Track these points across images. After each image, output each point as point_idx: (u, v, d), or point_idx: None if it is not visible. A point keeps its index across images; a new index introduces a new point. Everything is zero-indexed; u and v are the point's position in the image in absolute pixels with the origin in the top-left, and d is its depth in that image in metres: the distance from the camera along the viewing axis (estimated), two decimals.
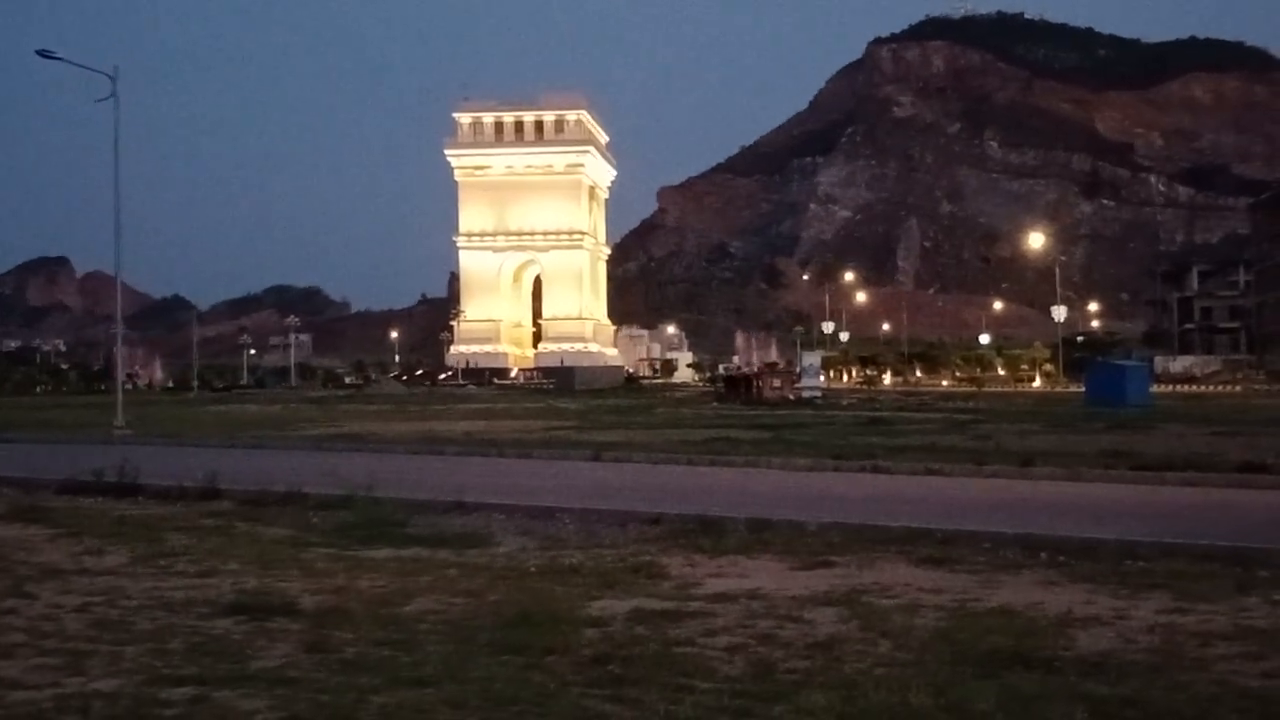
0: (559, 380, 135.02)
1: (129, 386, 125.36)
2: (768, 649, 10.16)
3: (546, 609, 11.48)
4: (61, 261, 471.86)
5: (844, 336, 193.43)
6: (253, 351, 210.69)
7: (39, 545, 16.52)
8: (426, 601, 12.32)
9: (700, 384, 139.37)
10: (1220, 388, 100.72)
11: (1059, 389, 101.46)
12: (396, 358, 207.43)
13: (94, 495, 22.28)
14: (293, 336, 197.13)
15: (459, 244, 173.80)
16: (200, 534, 17.57)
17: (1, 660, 10.00)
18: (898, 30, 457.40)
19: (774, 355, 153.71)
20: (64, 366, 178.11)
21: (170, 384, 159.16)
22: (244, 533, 17.77)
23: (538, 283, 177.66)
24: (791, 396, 79.08)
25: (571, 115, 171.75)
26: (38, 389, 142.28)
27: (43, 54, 50.29)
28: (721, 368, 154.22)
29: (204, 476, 22.20)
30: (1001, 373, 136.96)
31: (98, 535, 17.26)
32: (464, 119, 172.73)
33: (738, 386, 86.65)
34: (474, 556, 15.38)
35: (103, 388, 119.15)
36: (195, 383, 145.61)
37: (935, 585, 13.04)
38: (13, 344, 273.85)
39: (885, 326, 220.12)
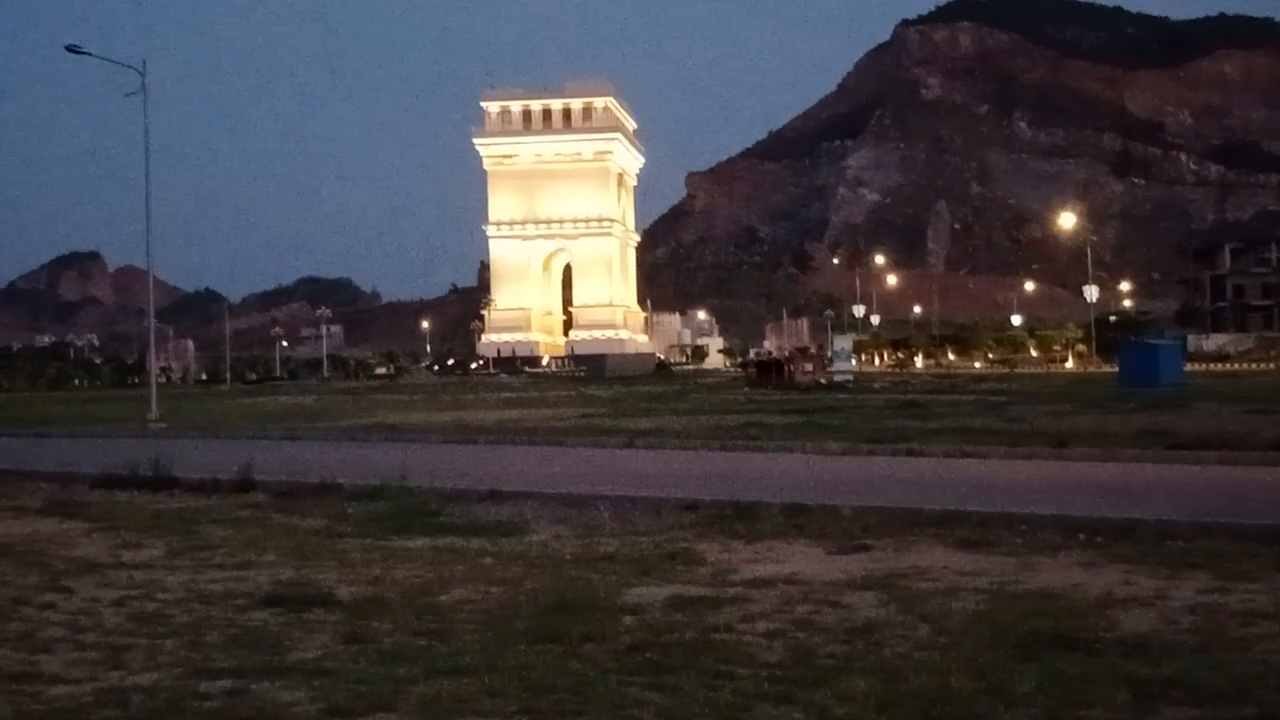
0: (590, 368, 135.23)
1: (162, 380, 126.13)
2: (806, 634, 10.11)
3: (583, 597, 11.46)
4: (93, 256, 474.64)
5: (875, 320, 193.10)
6: (285, 343, 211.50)
7: (76, 540, 16.57)
8: (463, 591, 12.30)
9: (731, 369, 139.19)
10: (1254, 365, 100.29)
11: (1092, 369, 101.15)
12: (428, 348, 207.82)
13: (130, 489, 22.31)
14: (324, 328, 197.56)
15: (488, 233, 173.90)
16: (236, 526, 17.61)
17: (41, 655, 10.01)
18: (925, 12, 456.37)
19: (805, 339, 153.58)
20: (97, 361, 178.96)
21: (203, 377, 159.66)
22: (279, 524, 17.79)
23: (568, 270, 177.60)
24: (823, 380, 78.99)
25: (599, 102, 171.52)
26: (72, 384, 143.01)
27: (71, 49, 50.55)
28: (752, 353, 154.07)
29: (238, 469, 22.26)
30: (1034, 354, 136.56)
31: (134, 529, 17.30)
32: (492, 108, 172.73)
33: (769, 371, 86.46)
34: (509, 545, 15.36)
35: (136, 381, 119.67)
36: (228, 375, 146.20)
37: (973, 568, 12.97)
38: (46, 339, 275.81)
39: (916, 309, 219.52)
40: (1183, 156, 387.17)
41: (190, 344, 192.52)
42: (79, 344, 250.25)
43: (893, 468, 24.42)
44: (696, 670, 9.00)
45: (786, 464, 25.97)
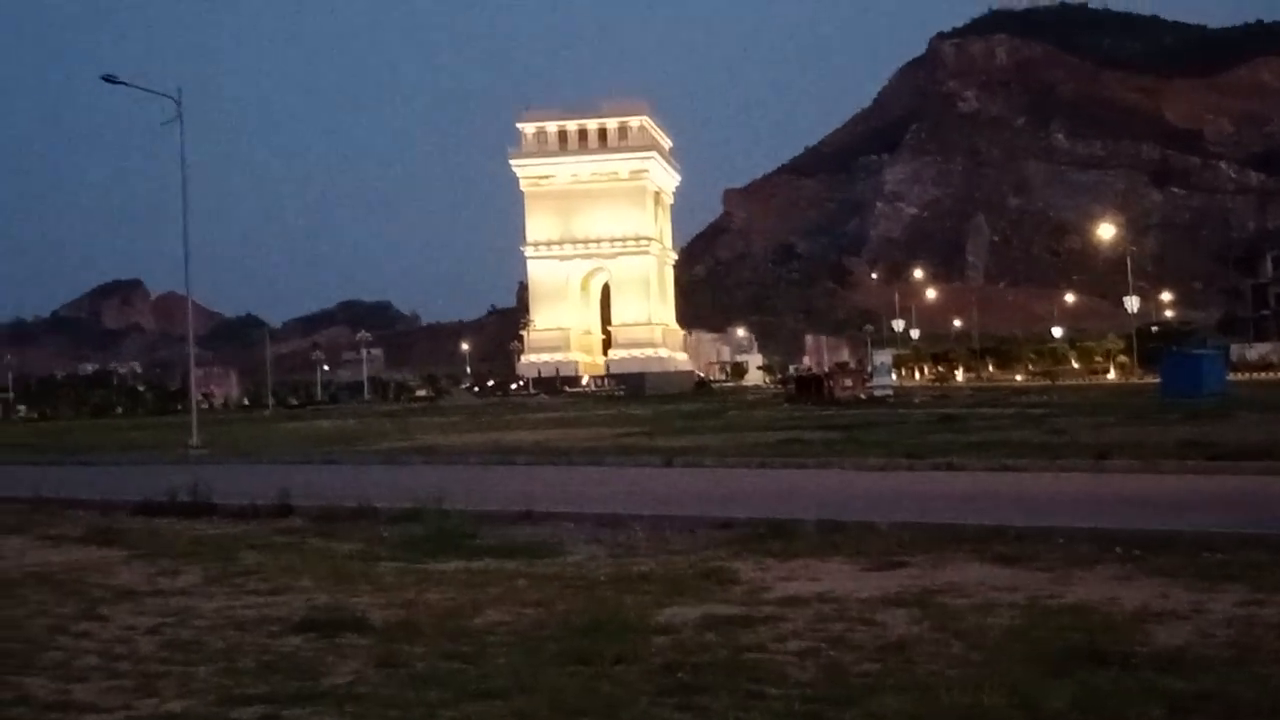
0: (630, 386, 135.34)
1: (204, 406, 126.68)
2: (839, 652, 10.07)
3: (616, 618, 11.43)
4: (135, 284, 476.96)
5: (914, 334, 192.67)
6: (326, 367, 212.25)
7: (114, 567, 16.63)
8: (496, 613, 12.29)
9: (771, 386, 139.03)
10: None
11: (1134, 380, 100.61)
12: (468, 369, 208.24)
13: (169, 516, 22.40)
14: (364, 351, 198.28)
15: (526, 253, 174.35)
16: (273, 551, 17.63)
17: (75, 683, 10.05)
18: (960, 24, 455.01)
19: (844, 355, 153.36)
20: (140, 388, 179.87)
21: (245, 402, 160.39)
22: (316, 549, 17.82)
23: (606, 290, 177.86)
24: (863, 396, 78.93)
25: (634, 121, 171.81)
26: (115, 411, 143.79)
27: (108, 79, 50.87)
28: (792, 369, 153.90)
29: (276, 494, 22.31)
30: (1075, 365, 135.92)
31: (172, 556, 17.36)
32: (528, 129, 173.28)
33: (809, 387, 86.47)
34: (544, 566, 15.36)
35: (179, 408, 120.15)
36: (270, 400, 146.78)
37: (1009, 583, 12.89)
38: (90, 367, 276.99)
39: (956, 323, 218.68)
40: (1222, 164, 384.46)
41: (233, 370, 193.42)
42: (122, 371, 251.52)
43: (931, 483, 24.31)
44: (728, 691, 8.96)
45: (824, 480, 25.87)
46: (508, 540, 17.66)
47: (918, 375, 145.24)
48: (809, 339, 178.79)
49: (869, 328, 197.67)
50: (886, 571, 14.00)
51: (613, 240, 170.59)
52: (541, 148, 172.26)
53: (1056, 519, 17.08)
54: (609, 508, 20.80)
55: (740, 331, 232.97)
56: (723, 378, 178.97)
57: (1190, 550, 14.22)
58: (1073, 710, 8.09)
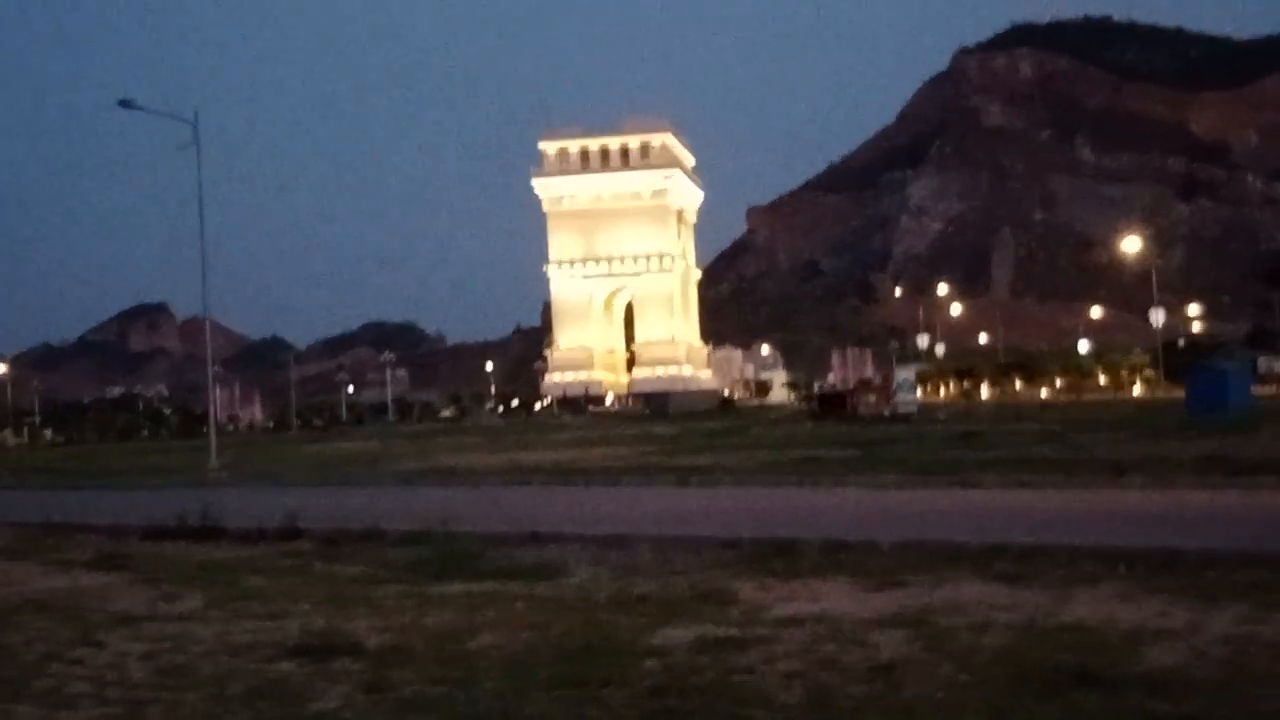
0: (654, 405, 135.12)
1: (229, 429, 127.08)
2: (829, 674, 10.00)
3: (609, 640, 11.39)
4: (161, 308, 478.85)
5: (940, 350, 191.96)
6: (351, 389, 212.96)
7: (117, 593, 16.63)
8: (491, 636, 12.26)
9: (796, 403, 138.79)
10: None
11: (1161, 395, 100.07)
12: (492, 389, 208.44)
13: (178, 540, 22.44)
14: (389, 372, 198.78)
15: (549, 273, 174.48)
16: (276, 575, 17.64)
17: (64, 711, 10.04)
18: (984, 39, 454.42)
19: (869, 371, 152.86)
20: (166, 411, 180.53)
21: (270, 424, 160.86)
22: (320, 572, 17.83)
23: (629, 308, 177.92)
24: (887, 413, 78.72)
25: (656, 140, 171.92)
26: (140, 434, 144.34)
27: (124, 104, 51.05)
28: (816, 386, 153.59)
29: (284, 517, 22.31)
30: (1102, 381, 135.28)
31: (175, 581, 17.36)
32: (550, 148, 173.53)
33: (833, 404, 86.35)
34: (545, 588, 15.33)
35: (204, 431, 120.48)
36: (295, 422, 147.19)
37: (1008, 602, 12.81)
38: (116, 391, 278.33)
39: (982, 338, 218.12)
40: (1249, 177, 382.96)
41: (258, 393, 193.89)
42: (148, 395, 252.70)
43: (943, 500, 24.17)
44: (712, 714, 8.92)
45: (837, 499, 25.78)
46: (512, 562, 17.62)
47: (942, 391, 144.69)
48: (835, 355, 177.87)
49: (894, 344, 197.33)
50: (886, 591, 13.93)
51: (635, 258, 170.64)
52: (563, 167, 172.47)
53: (1063, 536, 16.96)
54: (617, 528, 20.73)
55: (765, 349, 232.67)
56: (748, 395, 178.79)
57: (1195, 568, 14.11)
58: None
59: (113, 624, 14.02)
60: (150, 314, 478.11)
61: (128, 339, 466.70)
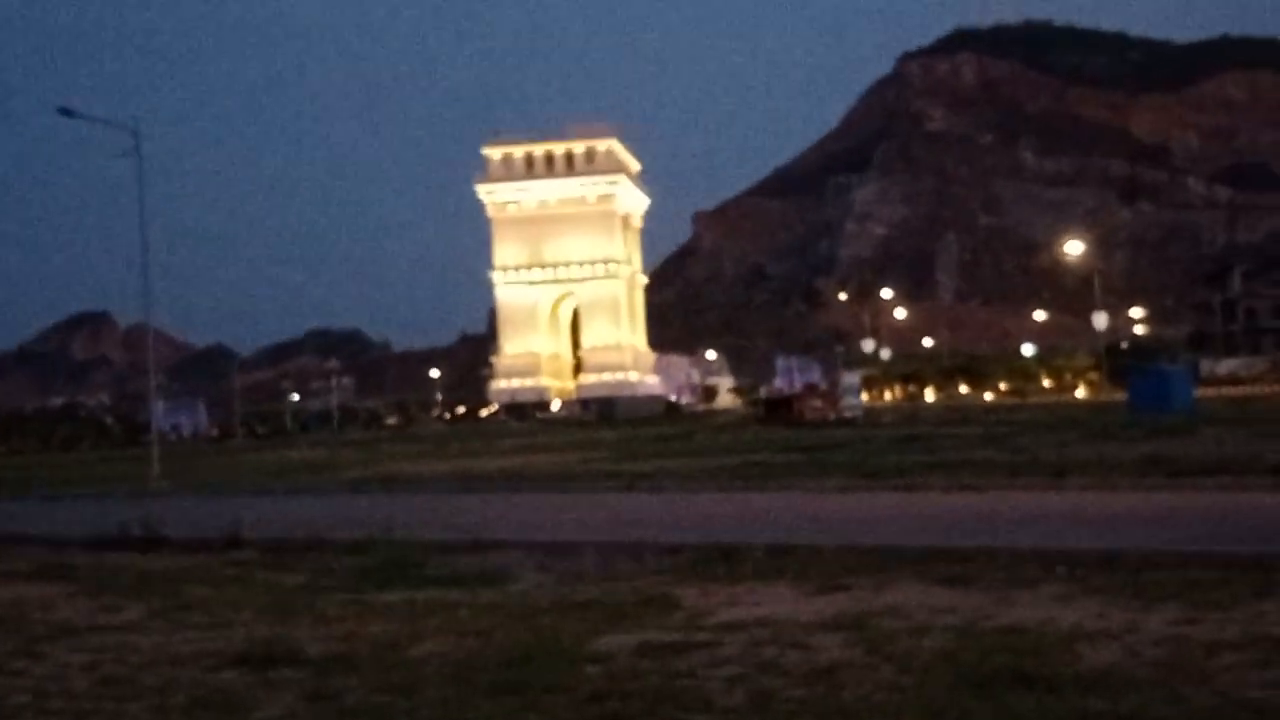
0: (600, 411, 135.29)
1: (172, 438, 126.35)
2: (769, 678, 10.08)
3: (551, 647, 11.44)
4: (104, 316, 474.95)
5: (885, 354, 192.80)
6: (295, 396, 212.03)
7: (58, 604, 16.54)
8: (434, 644, 12.28)
9: (743, 409, 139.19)
10: (1266, 388, 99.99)
11: (1104, 398, 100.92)
12: (438, 396, 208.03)
13: (120, 550, 22.33)
14: (334, 379, 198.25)
15: (494, 279, 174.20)
16: (219, 585, 17.60)
17: None
18: (926, 43, 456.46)
19: (816, 376, 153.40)
20: (108, 421, 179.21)
21: (214, 433, 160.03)
22: (262, 581, 17.79)
23: (576, 314, 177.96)
24: (832, 417, 79.06)
25: (601, 145, 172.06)
26: (83, 444, 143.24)
27: (64, 112, 50.75)
28: (762, 391, 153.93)
29: (227, 526, 22.26)
30: (1046, 384, 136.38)
31: (117, 591, 17.28)
32: (494, 154, 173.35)
33: (778, 409, 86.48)
34: (488, 595, 15.36)
35: (147, 440, 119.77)
36: (239, 430, 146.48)
37: (948, 605, 12.94)
38: (59, 400, 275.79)
39: (927, 342, 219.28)
40: (1190, 180, 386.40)
41: (201, 402, 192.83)
42: (90, 405, 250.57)
43: (887, 504, 24.31)
44: (654, 719, 8.97)
45: (781, 503, 25.88)
46: (456, 570, 17.66)
47: (888, 395, 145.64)
48: (780, 361, 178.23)
49: (839, 348, 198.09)
50: (828, 595, 14.02)
51: (581, 264, 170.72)
52: (508, 173, 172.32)
53: (1004, 539, 17.14)
54: (561, 535, 20.83)
55: (711, 354, 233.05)
56: (694, 401, 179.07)
57: (1133, 569, 14.27)
58: None
59: (54, 635, 13.95)
60: (92, 322, 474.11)
61: (69, 348, 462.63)
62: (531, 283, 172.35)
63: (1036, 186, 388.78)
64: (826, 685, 9.71)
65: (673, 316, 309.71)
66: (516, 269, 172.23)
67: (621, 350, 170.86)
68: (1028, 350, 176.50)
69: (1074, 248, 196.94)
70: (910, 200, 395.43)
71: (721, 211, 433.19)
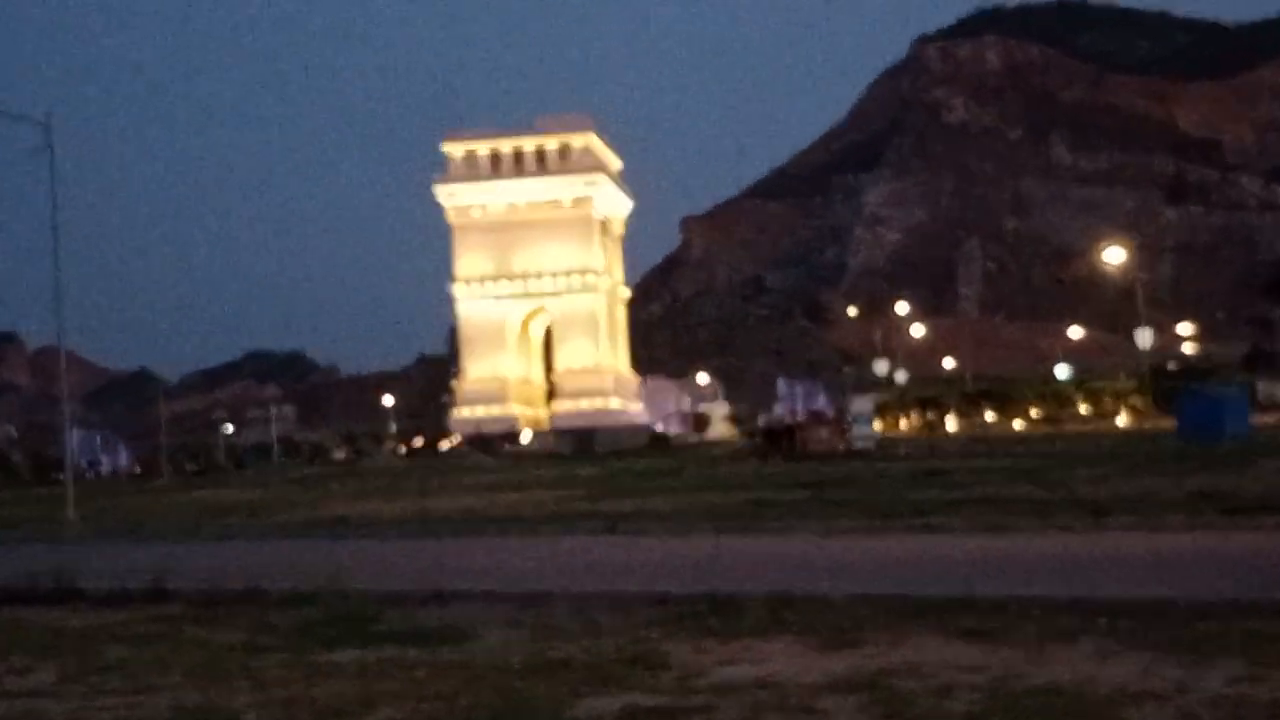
0: (577, 443, 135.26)
1: (89, 475, 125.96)
2: None
3: (524, 712, 11.42)
4: (9, 338, 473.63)
5: (900, 377, 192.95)
6: (230, 428, 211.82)
7: None
8: (389, 709, 12.24)
9: (738, 440, 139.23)
10: None
11: (1149, 426, 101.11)
12: (393, 426, 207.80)
13: (28, 604, 22.23)
14: (274, 408, 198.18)
15: (455, 293, 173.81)
16: (141, 643, 17.51)
17: None
18: (945, 25, 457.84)
19: (821, 402, 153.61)
20: (14, 456, 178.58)
21: (137, 470, 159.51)
22: (192, 639, 17.72)
23: (549, 332, 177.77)
24: (841, 449, 79.18)
25: (577, 141, 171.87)
26: None
27: None
28: (761, 419, 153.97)
29: (151, 576, 22.18)
30: (1083, 410, 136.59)
31: (25, 651, 17.19)
32: (455, 151, 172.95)
33: (779, 440, 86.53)
34: (450, 654, 15.31)
35: (59, 478, 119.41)
36: (165, 467, 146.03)
37: (974, 662, 12.91)
38: None
39: (948, 363, 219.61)
40: (1244, 179, 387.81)
41: (123, 434, 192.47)
42: None
43: (904, 548, 24.33)
44: None
45: (783, 548, 25.86)
46: (414, 624, 17.62)
47: (904, 424, 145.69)
48: (781, 384, 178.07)
49: (848, 370, 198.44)
50: (838, 651, 14.00)
51: (555, 276, 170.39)
52: (471, 172, 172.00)
53: (1038, 586, 17.14)
54: (533, 585, 20.79)
55: (703, 377, 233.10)
56: (684, 430, 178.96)
57: (1185, 620, 14.27)
58: None
59: None
60: None
61: None
62: (498, 297, 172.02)
63: (1070, 186, 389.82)
64: None
65: (659, 335, 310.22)
66: (481, 281, 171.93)
67: (601, 373, 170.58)
68: (1062, 372, 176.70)
69: (1113, 255, 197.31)
70: (927, 202, 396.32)
71: (714, 216, 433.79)
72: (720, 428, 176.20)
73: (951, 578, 18.45)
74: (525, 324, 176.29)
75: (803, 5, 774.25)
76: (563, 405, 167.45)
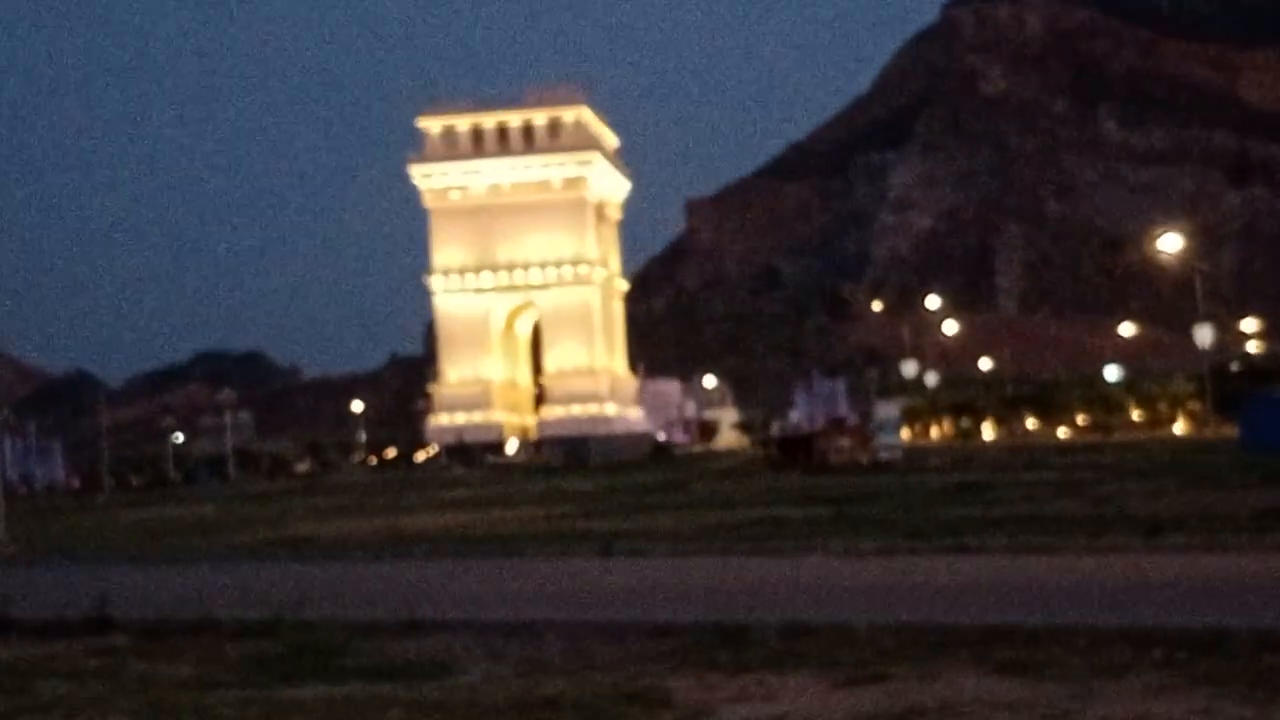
0: (569, 453, 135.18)
1: (21, 491, 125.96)
2: None
3: None
4: None
5: (931, 380, 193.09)
6: (179, 437, 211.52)
7: None
8: None
9: (751, 450, 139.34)
10: None
11: (1209, 433, 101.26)
12: (362, 435, 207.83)
13: None
14: (228, 416, 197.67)
15: (433, 286, 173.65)
16: (81, 679, 17.55)
17: None
18: None
19: (842, 408, 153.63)
20: None
21: (75, 484, 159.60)
22: (136, 674, 17.74)
23: (537, 330, 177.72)
24: (864, 460, 79.27)
25: (569, 115, 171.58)
26: None
27: None
28: (775, 427, 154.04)
29: (92, 603, 22.17)
30: (1135, 416, 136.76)
31: None
32: (432, 127, 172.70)
33: (795, 450, 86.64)
34: (428, 690, 15.35)
35: None
36: (108, 481, 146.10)
37: (1014, 699, 12.93)
38: None
39: (984, 364, 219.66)
40: None
41: (58, 444, 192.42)
42: None
43: (935, 571, 24.37)
44: None
45: (800, 571, 25.93)
46: (386, 658, 17.66)
47: (934, 432, 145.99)
48: (798, 388, 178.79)
49: (873, 372, 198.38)
50: (861, 687, 14.02)
51: (544, 266, 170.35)
52: (450, 151, 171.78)
53: (1084, 614, 17.16)
54: (520, 613, 20.81)
55: (710, 380, 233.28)
56: (688, 440, 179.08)
57: (1249, 651, 14.27)
58: None
59: None
60: None
61: None
62: (480, 290, 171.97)
63: (1121, 165, 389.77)
64: None
65: (661, 333, 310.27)
66: (461, 272, 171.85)
67: (595, 376, 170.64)
68: (1112, 374, 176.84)
69: (1170, 243, 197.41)
70: (962, 184, 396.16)
71: (722, 199, 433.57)
72: (729, 436, 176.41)
73: (988, 604, 18.50)
74: (510, 321, 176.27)
75: None
76: (552, 412, 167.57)
